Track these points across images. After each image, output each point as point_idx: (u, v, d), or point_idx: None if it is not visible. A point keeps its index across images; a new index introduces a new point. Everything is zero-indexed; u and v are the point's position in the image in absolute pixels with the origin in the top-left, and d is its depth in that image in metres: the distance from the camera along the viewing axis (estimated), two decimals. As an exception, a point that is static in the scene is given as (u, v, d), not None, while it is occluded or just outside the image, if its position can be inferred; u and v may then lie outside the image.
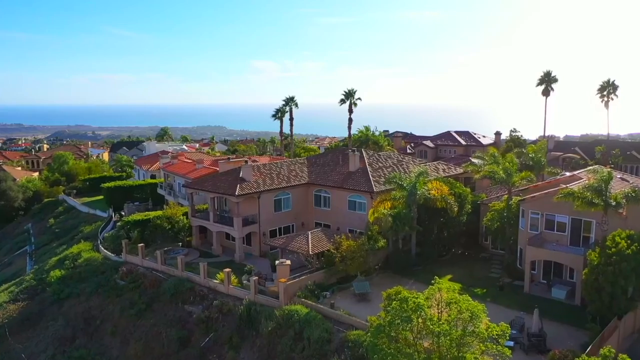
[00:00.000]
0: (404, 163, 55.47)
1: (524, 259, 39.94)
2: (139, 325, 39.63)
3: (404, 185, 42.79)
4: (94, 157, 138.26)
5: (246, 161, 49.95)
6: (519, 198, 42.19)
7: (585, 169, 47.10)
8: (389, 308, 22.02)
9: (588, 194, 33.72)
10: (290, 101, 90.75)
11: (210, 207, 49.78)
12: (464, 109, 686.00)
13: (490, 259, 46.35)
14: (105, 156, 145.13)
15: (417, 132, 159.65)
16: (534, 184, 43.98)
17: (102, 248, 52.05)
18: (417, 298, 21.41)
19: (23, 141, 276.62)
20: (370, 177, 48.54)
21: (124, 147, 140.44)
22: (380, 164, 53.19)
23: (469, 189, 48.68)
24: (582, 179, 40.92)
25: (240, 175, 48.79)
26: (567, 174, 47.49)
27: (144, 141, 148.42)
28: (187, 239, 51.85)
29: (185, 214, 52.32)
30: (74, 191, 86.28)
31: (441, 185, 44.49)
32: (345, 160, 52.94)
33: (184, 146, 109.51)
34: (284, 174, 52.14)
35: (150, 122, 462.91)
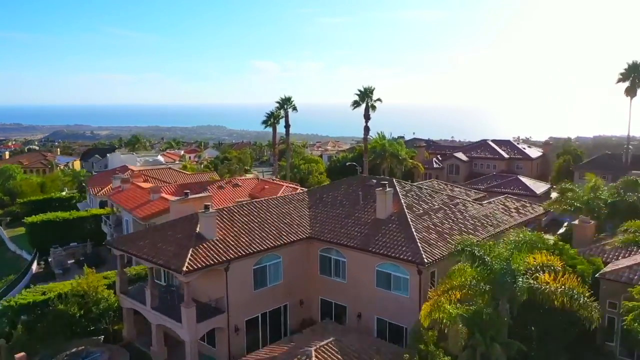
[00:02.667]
0: (458, 202, 35.88)
1: None
2: None
3: (490, 263, 23.09)
4: (61, 167, 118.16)
5: (207, 206, 29.50)
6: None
7: None
8: None
9: None
10: (286, 102, 70.88)
11: (149, 282, 30.09)
12: (465, 109, 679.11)
13: (626, 381, 26.70)
14: (77, 165, 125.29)
15: (419, 133, 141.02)
16: None
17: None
18: None
19: (13, 142, 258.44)
20: (414, 233, 28.97)
21: (97, 155, 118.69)
22: (423, 205, 33.66)
23: (588, 263, 28.76)
24: None
25: (197, 230, 29.16)
26: None
27: (122, 146, 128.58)
28: (115, 327, 32.23)
29: (113, 285, 32.79)
30: (8, 219, 66.73)
31: (551, 257, 24.62)
32: (368, 197, 33.60)
33: (158, 157, 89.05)
34: (271, 222, 32.59)
35: (150, 122, 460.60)
